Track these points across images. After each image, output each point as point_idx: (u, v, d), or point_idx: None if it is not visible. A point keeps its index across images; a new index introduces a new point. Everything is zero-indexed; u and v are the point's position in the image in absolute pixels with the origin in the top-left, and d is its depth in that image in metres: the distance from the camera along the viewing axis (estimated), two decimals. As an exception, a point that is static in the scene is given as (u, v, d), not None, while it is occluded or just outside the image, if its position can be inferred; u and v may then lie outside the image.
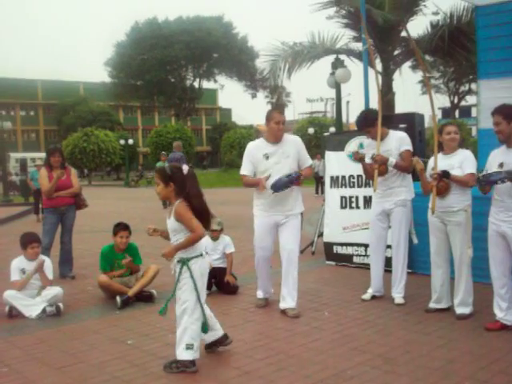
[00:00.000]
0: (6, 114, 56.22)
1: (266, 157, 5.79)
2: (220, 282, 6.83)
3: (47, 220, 7.95)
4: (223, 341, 4.68)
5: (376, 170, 5.86)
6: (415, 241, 5.89)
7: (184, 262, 4.31)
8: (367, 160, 6.04)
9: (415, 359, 4.39)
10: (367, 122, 6.09)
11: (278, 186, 5.62)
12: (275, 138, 5.81)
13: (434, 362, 4.30)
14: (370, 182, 6.32)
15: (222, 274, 6.81)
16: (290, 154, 5.80)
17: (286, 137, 5.91)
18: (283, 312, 5.79)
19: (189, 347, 4.24)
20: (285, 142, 5.83)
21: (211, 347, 4.67)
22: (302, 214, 6.10)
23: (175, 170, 4.37)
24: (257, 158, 5.84)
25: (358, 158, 6.08)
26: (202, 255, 4.38)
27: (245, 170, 5.92)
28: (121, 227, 6.70)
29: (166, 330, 5.30)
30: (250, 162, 5.90)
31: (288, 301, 5.81)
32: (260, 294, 6.24)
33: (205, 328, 4.35)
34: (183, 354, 4.25)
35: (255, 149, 5.91)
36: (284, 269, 5.88)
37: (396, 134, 6.14)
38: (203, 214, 4.39)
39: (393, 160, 5.89)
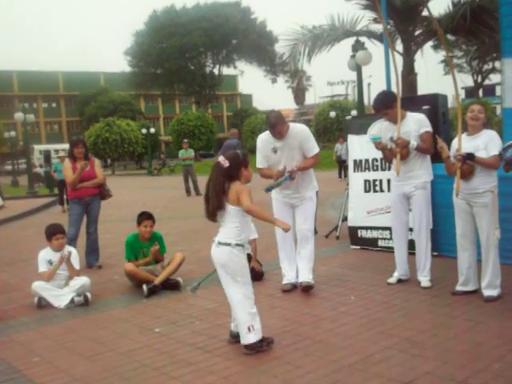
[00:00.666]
0: (28, 107, 56.86)
1: (275, 151, 6.05)
2: None
3: (72, 211, 8.03)
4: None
5: (399, 153, 5.81)
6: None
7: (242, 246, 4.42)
8: (386, 143, 6.00)
9: (443, 342, 4.36)
10: (385, 104, 6.02)
11: (269, 189, 5.96)
12: (280, 138, 5.99)
13: (461, 345, 4.27)
14: (391, 165, 6.26)
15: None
16: (295, 145, 6.01)
17: (292, 129, 6.03)
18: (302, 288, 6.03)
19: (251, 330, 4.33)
20: (290, 135, 5.99)
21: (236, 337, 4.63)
22: (317, 192, 6.40)
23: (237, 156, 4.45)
24: (266, 151, 6.13)
25: (380, 147, 6.02)
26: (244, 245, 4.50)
27: (259, 163, 6.22)
28: (144, 216, 6.74)
29: (194, 318, 5.35)
30: (262, 155, 6.18)
31: (304, 274, 6.10)
32: (287, 278, 6.30)
33: None
34: (251, 337, 4.34)
35: (264, 143, 6.15)
36: (299, 246, 6.23)
37: (414, 115, 6.07)
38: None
39: (414, 143, 5.84)
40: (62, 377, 4.13)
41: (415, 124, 5.98)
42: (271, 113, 6.12)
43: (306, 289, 6.01)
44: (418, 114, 6.12)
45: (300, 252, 6.22)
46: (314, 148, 6.11)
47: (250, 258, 6.78)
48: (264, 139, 6.18)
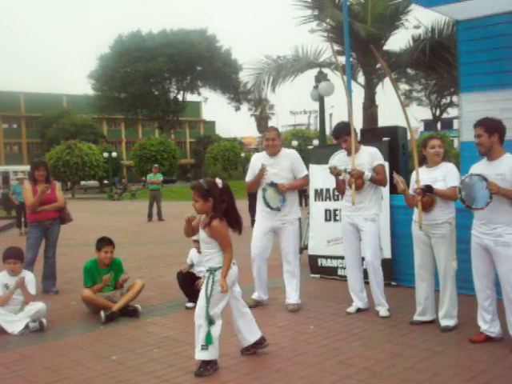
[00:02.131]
0: (-13, 127, 55.90)
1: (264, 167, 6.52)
2: (190, 289, 6.74)
3: (31, 234, 7.87)
4: (262, 343, 4.92)
5: (353, 184, 5.92)
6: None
7: (211, 272, 4.52)
8: (341, 169, 6.12)
9: (401, 372, 4.40)
10: (345, 131, 6.15)
11: (273, 206, 6.44)
12: (271, 152, 6.57)
13: (419, 375, 4.31)
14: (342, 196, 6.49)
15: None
16: (284, 166, 6.51)
17: (284, 151, 6.67)
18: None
19: (203, 348, 4.44)
20: (281, 156, 6.58)
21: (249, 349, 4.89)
22: (299, 219, 6.83)
23: (212, 185, 4.52)
24: (257, 167, 6.59)
25: (335, 172, 6.14)
26: (234, 263, 4.63)
27: (248, 177, 6.78)
28: (105, 242, 6.65)
29: (152, 345, 5.27)
30: (252, 170, 6.68)
31: (291, 297, 6.50)
32: (254, 295, 6.68)
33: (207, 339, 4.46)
34: (201, 355, 4.46)
35: (257, 160, 6.72)
36: (284, 267, 6.61)
37: (367, 149, 6.24)
38: (239, 221, 4.68)
39: (368, 174, 5.99)
40: (14, 406, 4.01)
41: (369, 157, 6.14)
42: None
43: (292, 310, 6.38)
44: (371, 148, 6.27)
45: (287, 275, 6.57)
46: (304, 170, 6.66)
47: (198, 279, 6.74)
48: (258, 156, 6.83)
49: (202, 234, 4.57)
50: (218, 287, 4.43)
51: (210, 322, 4.44)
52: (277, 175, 6.44)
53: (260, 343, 4.89)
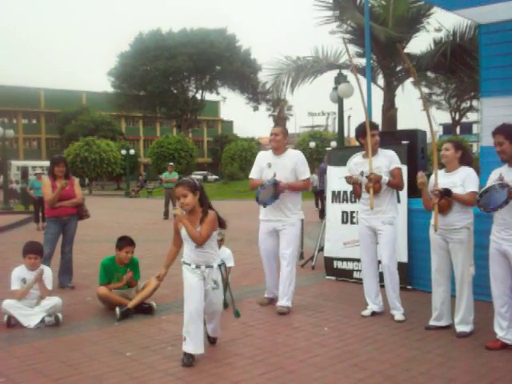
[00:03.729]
0: (8, 122, 56.40)
1: (269, 165, 6.52)
2: None
3: (49, 230, 7.93)
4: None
5: (371, 188, 5.90)
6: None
7: (219, 266, 4.84)
8: (357, 178, 6.14)
9: (415, 377, 4.37)
10: (373, 126, 6.27)
11: (261, 200, 6.27)
12: (275, 150, 6.54)
13: (433, 381, 4.28)
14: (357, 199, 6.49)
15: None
16: (288, 166, 6.44)
17: (290, 151, 6.63)
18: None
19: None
20: (286, 155, 6.53)
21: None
22: (302, 220, 6.73)
23: (196, 181, 4.84)
24: (262, 165, 6.60)
25: (352, 182, 6.20)
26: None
27: (252, 174, 6.70)
28: (126, 242, 6.63)
29: (166, 343, 5.29)
30: (257, 168, 6.66)
31: (282, 299, 6.36)
32: (266, 293, 6.80)
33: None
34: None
35: (262, 157, 6.71)
36: (281, 269, 6.46)
37: (385, 152, 6.23)
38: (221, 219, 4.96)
39: (386, 178, 5.98)
40: (29, 399, 4.04)
41: (386, 160, 6.12)
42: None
43: (281, 313, 6.27)
44: (389, 151, 6.25)
45: (281, 275, 6.44)
46: (306, 172, 6.52)
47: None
48: (264, 154, 6.80)
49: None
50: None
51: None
52: (279, 175, 6.35)
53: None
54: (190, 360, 4.65)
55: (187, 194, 4.68)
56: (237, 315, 5.13)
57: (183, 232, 4.78)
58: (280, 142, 6.48)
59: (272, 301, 6.67)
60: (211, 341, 5.15)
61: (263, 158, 6.67)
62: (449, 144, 5.54)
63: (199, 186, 4.78)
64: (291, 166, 6.43)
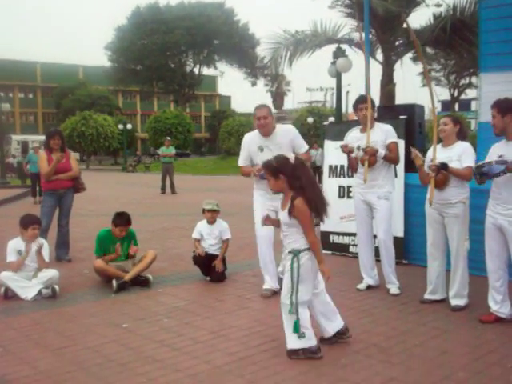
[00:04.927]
0: (4, 96, 56.03)
1: (261, 149, 6.03)
2: (210, 268, 6.75)
3: (45, 202, 7.94)
4: (344, 333, 4.55)
5: (367, 161, 5.88)
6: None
7: (295, 254, 4.22)
8: (353, 147, 6.06)
9: (409, 349, 4.41)
10: (366, 100, 6.08)
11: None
12: (264, 133, 6.01)
13: (428, 353, 4.32)
14: (354, 173, 6.36)
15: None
16: (283, 144, 5.94)
17: (279, 128, 6.11)
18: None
19: (301, 336, 4.18)
20: (278, 134, 6.04)
21: (331, 339, 4.52)
22: None
23: (281, 161, 4.27)
24: (252, 150, 6.12)
25: (347, 150, 6.07)
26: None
27: (241, 161, 6.25)
28: (123, 222, 6.59)
29: (162, 315, 5.33)
30: (246, 153, 6.19)
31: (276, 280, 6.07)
32: (266, 284, 6.17)
33: (296, 327, 4.21)
34: (296, 343, 4.20)
35: (250, 141, 6.17)
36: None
37: (382, 126, 6.16)
38: (318, 204, 4.24)
39: (382, 151, 5.93)
40: (25, 369, 4.07)
41: (382, 134, 6.07)
42: None
43: (264, 296, 6.01)
44: (386, 125, 6.20)
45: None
46: (304, 145, 6.17)
47: (215, 258, 6.76)
48: (251, 137, 6.20)
49: (283, 216, 4.28)
50: (305, 271, 4.19)
51: (297, 310, 4.17)
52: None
53: (343, 333, 4.53)
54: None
55: (269, 178, 4.31)
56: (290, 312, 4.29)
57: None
58: (269, 123, 5.96)
59: (275, 293, 5.99)
60: None
61: (251, 141, 6.14)
62: (447, 119, 5.52)
63: (283, 168, 4.21)
64: (287, 143, 5.98)
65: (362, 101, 6.15)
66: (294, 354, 4.23)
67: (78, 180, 8.12)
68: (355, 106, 6.23)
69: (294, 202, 4.15)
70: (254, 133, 6.17)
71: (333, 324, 4.50)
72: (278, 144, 5.94)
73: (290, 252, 4.25)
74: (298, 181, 4.16)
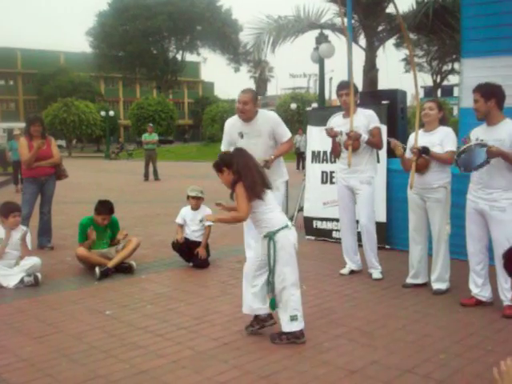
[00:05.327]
0: (-16, 83, 55.30)
1: (241, 135, 5.93)
2: (191, 254, 6.76)
3: (27, 190, 7.86)
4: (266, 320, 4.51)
5: (350, 145, 5.89)
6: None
7: (270, 237, 4.21)
8: (339, 130, 6.05)
9: (391, 333, 4.45)
10: (348, 86, 6.09)
11: None
12: (242, 118, 5.89)
13: (409, 336, 4.37)
14: (337, 159, 6.38)
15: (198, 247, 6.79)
16: (263, 132, 5.87)
17: (261, 114, 5.95)
18: None
19: (293, 318, 4.21)
20: (259, 120, 5.90)
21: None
22: (287, 182, 6.30)
23: (221, 156, 4.43)
24: (233, 136, 6.02)
25: (332, 134, 6.06)
26: (287, 226, 4.27)
27: (224, 146, 6.10)
28: (105, 211, 6.56)
29: (145, 301, 5.32)
30: (228, 138, 6.10)
31: None
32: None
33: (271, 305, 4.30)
34: (289, 326, 4.22)
35: (231, 127, 6.06)
36: None
37: (364, 111, 6.16)
38: (256, 187, 4.25)
39: (365, 136, 5.95)
40: (8, 357, 4.05)
41: (365, 119, 6.08)
42: None
43: None
44: (368, 110, 6.21)
45: None
46: (286, 132, 6.03)
47: (198, 244, 6.75)
48: (231, 123, 6.11)
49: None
50: (283, 251, 4.20)
51: (273, 289, 4.22)
52: (256, 145, 5.70)
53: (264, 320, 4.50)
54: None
55: (218, 175, 4.38)
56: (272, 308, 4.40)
57: None
58: (250, 111, 5.80)
59: None
60: None
61: (232, 127, 6.03)
62: (433, 103, 5.51)
63: (224, 161, 4.32)
64: (267, 130, 5.86)
65: (342, 86, 6.16)
66: (277, 338, 4.26)
67: (59, 167, 8.05)
68: (337, 92, 6.25)
69: (233, 187, 4.26)
70: (236, 118, 6.04)
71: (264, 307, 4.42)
72: (258, 131, 5.87)
73: (265, 236, 4.25)
74: (235, 167, 4.25)
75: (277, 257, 4.19)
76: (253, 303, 4.39)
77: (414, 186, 5.39)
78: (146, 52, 59.94)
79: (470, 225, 5.08)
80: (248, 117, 5.86)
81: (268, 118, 5.97)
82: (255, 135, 5.84)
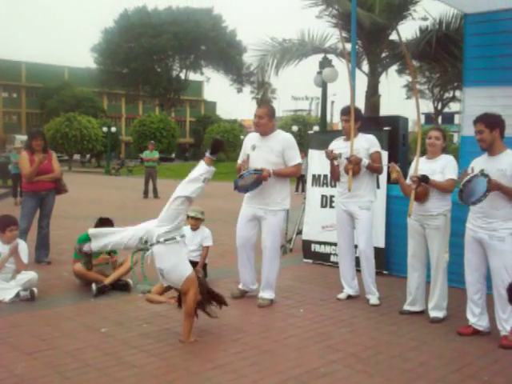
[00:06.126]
0: (-12, 95, 55.49)
1: (253, 147, 6.03)
2: None
3: (26, 204, 7.86)
4: None
5: (351, 169, 5.91)
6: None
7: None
8: (338, 154, 6.08)
9: (387, 360, 4.42)
10: (356, 113, 6.11)
11: (239, 187, 5.81)
12: (258, 132, 6.04)
13: (405, 364, 4.34)
14: (337, 182, 6.41)
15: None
16: (274, 149, 5.93)
17: (278, 133, 6.11)
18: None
19: None
20: (274, 138, 6.00)
21: None
22: (287, 211, 6.12)
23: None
24: (247, 147, 6.14)
25: (331, 156, 6.07)
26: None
27: (239, 159, 6.21)
28: (107, 225, 6.54)
29: (141, 320, 5.29)
30: (243, 152, 6.21)
31: (263, 290, 6.06)
32: (240, 285, 6.33)
33: None
34: None
35: (248, 139, 6.22)
36: (262, 264, 6.09)
37: (365, 136, 6.19)
38: None
39: (366, 160, 5.97)
40: (1, 372, 4.01)
41: (366, 143, 6.11)
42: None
43: (259, 305, 5.94)
44: (369, 135, 6.24)
45: (263, 266, 6.08)
46: (296, 158, 6.03)
47: (195, 264, 6.73)
48: (249, 137, 6.28)
49: None
50: None
51: None
52: (264, 158, 5.85)
53: None
54: None
55: None
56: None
57: None
58: (265, 125, 5.94)
59: (245, 293, 6.27)
60: None
61: (249, 140, 6.15)
62: (439, 133, 5.51)
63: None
64: (278, 149, 5.90)
65: (345, 112, 6.20)
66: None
67: (59, 182, 8.05)
68: (340, 117, 6.31)
69: None
70: (255, 133, 6.18)
71: None
72: (269, 147, 5.94)
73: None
74: None
75: None
76: None
77: (414, 213, 5.39)
78: (150, 70, 60.30)
79: (468, 254, 5.08)
80: (263, 130, 5.99)
81: (282, 139, 6.04)
82: (265, 150, 5.93)
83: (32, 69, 68.98)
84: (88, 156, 52.00)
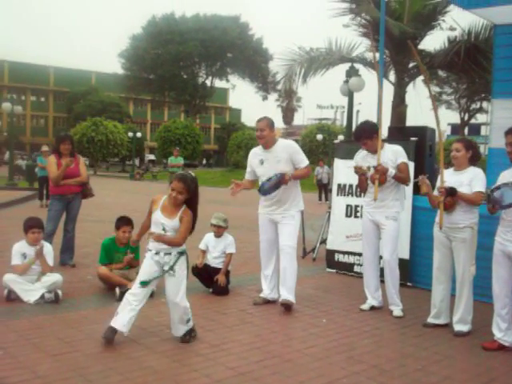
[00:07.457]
0: (16, 99, 56.41)
1: (261, 162, 6.25)
2: (212, 281, 6.75)
3: (53, 207, 7.95)
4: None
5: (377, 180, 5.88)
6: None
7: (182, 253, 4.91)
8: (366, 169, 6.06)
9: (410, 373, 4.37)
10: (366, 134, 6.12)
11: (264, 190, 6.12)
12: (262, 145, 6.25)
13: (429, 377, 4.28)
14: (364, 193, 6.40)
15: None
16: (281, 158, 6.13)
17: (280, 142, 6.28)
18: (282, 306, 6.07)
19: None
20: (277, 148, 6.19)
21: None
22: (302, 212, 6.43)
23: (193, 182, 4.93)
24: (254, 163, 6.36)
25: (360, 172, 6.08)
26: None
27: (246, 175, 6.53)
28: (123, 222, 6.68)
29: (164, 325, 5.29)
30: (249, 167, 6.46)
31: (284, 292, 6.10)
32: (263, 293, 6.40)
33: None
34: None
35: (253, 155, 6.42)
36: (281, 265, 6.21)
37: (391, 147, 6.18)
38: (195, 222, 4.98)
39: (392, 170, 5.94)
40: (24, 373, 4.05)
41: (392, 155, 6.08)
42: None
43: (285, 307, 6.01)
44: (395, 146, 6.21)
45: (284, 273, 6.14)
46: (304, 159, 6.23)
47: (218, 271, 6.75)
48: (253, 152, 6.45)
49: (172, 223, 4.88)
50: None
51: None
52: (275, 169, 6.07)
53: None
54: (112, 334, 4.73)
55: (183, 193, 4.85)
56: None
57: (155, 215, 4.93)
58: (267, 136, 6.13)
59: (267, 301, 6.33)
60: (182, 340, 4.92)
61: (254, 155, 6.37)
62: (459, 144, 5.47)
63: (194, 189, 4.92)
64: (285, 157, 6.10)
65: (363, 136, 6.16)
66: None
67: (86, 186, 8.13)
68: (358, 138, 6.29)
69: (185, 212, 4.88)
70: (258, 147, 6.39)
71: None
72: (276, 157, 6.13)
73: (179, 252, 4.88)
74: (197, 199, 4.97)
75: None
76: None
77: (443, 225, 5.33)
78: (177, 76, 60.74)
79: (496, 267, 5.00)
80: (266, 142, 6.17)
81: (286, 146, 6.23)
82: (274, 161, 6.13)
83: (60, 73, 70.02)
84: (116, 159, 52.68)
